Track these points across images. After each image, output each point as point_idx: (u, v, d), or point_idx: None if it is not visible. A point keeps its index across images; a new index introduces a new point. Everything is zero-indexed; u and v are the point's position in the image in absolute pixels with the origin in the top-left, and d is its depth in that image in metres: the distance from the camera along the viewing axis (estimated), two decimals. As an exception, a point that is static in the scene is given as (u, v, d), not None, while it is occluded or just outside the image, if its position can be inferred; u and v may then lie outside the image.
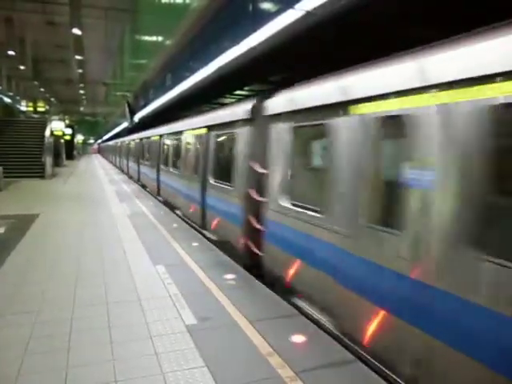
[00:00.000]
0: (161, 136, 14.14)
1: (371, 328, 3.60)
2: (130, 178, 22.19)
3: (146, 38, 14.60)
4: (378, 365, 3.51)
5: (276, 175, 5.58)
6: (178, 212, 11.12)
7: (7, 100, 32.96)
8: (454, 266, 2.88)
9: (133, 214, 10.55)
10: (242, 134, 6.76)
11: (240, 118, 6.80)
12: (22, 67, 22.83)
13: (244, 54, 6.51)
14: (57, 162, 26.05)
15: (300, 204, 5.01)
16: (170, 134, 12.80)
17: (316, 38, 5.12)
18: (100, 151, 76.92)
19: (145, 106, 17.53)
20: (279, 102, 5.60)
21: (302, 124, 5.07)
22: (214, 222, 8.19)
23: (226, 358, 3.46)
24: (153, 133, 15.92)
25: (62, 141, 31.35)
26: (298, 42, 6.16)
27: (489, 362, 2.62)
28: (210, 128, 8.59)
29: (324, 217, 4.41)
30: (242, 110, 6.79)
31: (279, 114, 5.52)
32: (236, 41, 6.09)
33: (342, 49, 5.29)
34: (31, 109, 47.12)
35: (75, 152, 45.12)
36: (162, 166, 13.70)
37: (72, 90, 41.82)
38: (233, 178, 7.10)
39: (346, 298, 3.98)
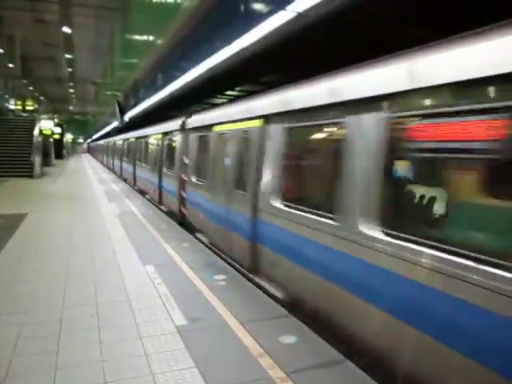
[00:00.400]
0: (136, 138, 17.66)
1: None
2: (119, 176, 23.24)
3: (137, 37, 14.53)
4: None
5: (191, 163, 9.14)
6: (147, 196, 14.35)
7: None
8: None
9: (122, 213, 10.49)
10: (177, 139, 10.48)
11: (176, 128, 10.58)
12: (10, 65, 22.55)
13: (235, 55, 6.50)
14: (46, 162, 25.78)
15: (200, 179, 8.59)
16: (142, 136, 16.33)
17: (308, 39, 5.15)
18: (89, 151, 76.42)
19: (135, 105, 17.43)
20: (190, 121, 9.56)
21: (200, 134, 8.69)
22: (164, 198, 11.98)
23: (216, 358, 3.46)
24: (131, 135, 19.67)
25: (51, 140, 31.06)
26: (289, 43, 6.19)
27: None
28: (163, 134, 12.30)
29: (205, 183, 8.20)
30: (177, 123, 10.48)
31: (191, 128, 9.32)
32: (227, 41, 6.09)
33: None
34: (20, 107, 46.57)
35: (64, 151, 44.72)
36: (137, 162, 17.26)
37: (61, 88, 41.44)
38: (173, 167, 10.70)
39: (208, 223, 7.80)
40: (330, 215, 4.11)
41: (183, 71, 9.08)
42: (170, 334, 3.83)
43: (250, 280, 5.56)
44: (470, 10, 3.88)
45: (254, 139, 5.89)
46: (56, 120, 36.67)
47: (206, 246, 7.50)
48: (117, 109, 21.85)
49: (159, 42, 10.11)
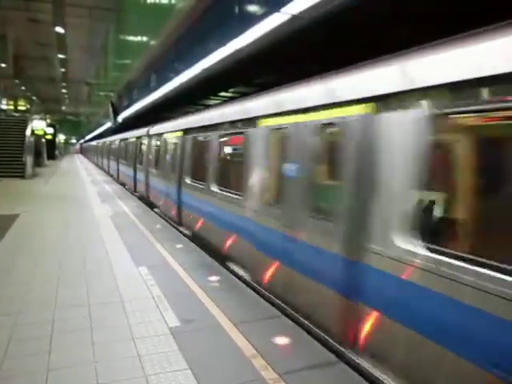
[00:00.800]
0: (121, 140, 20.86)
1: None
2: (111, 175, 24.48)
3: (131, 37, 14.48)
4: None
5: (151, 158, 12.80)
6: (126, 187, 17.61)
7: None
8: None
9: (115, 214, 10.45)
10: (145, 142, 13.92)
11: (144, 134, 14.16)
12: (3, 65, 22.39)
13: (229, 57, 6.51)
14: (38, 162, 25.61)
15: (155, 169, 11.96)
16: (123, 139, 19.52)
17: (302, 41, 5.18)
18: (82, 151, 76.07)
19: (128, 106, 17.38)
20: (151, 130, 13.16)
21: (157, 139, 11.97)
22: (137, 186, 15.29)
23: (209, 360, 3.45)
24: (117, 137, 22.42)
25: (44, 140, 30.86)
26: (283, 45, 6.22)
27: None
28: (137, 137, 15.59)
29: (157, 171, 11.80)
30: (145, 130, 14.02)
31: (152, 134, 12.87)
32: (221, 43, 6.09)
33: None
34: (12, 107, 46.26)
35: (57, 152, 44.45)
36: (121, 160, 20.33)
37: (54, 88, 41.19)
38: (142, 162, 14.43)
39: (159, 198, 11.47)
40: (204, 183, 7.63)
41: (177, 72, 9.07)
42: (163, 336, 3.82)
43: (176, 229, 9.07)
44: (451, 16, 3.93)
45: (179, 143, 9.62)
46: (48, 120, 36.45)
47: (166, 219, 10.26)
48: (110, 110, 21.76)
49: (153, 42, 10.10)
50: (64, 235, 8.02)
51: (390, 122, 3.41)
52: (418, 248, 3.07)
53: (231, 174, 6.94)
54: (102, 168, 30.44)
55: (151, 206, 12.30)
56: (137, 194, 15.01)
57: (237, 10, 5.45)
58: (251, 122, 5.67)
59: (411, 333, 3.07)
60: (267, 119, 5.32)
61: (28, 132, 23.05)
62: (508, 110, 2.63)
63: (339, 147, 4.00)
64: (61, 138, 62.28)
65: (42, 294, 4.83)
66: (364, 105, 3.64)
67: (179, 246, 7.37)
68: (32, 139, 23.41)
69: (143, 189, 13.85)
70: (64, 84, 34.82)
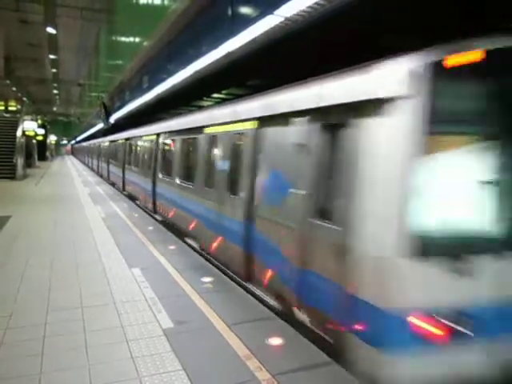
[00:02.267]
0: (110, 142, 22.17)
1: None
2: (101, 176, 25.32)
3: (123, 38, 14.44)
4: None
5: (130, 158, 15.48)
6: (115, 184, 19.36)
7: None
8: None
9: (107, 215, 10.41)
10: (128, 144, 16.09)
11: (124, 138, 16.62)
12: (-8, 65, 22.24)
13: (222, 58, 6.53)
14: (28, 163, 25.42)
15: (132, 166, 14.72)
16: (111, 141, 21.45)
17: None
18: (73, 152, 75.62)
19: (121, 107, 17.33)
20: (132, 133, 15.19)
21: (136, 141, 14.40)
22: (126, 182, 16.69)
23: (203, 361, 3.46)
24: (103, 140, 25.18)
25: (34, 141, 30.62)
26: (275, 47, 6.24)
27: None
28: (125, 139, 17.03)
29: (135, 168, 14.52)
30: (128, 133, 16.03)
31: (131, 137, 15.36)
32: (214, 45, 6.11)
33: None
34: (2, 108, 45.79)
35: (48, 153, 44.14)
36: (111, 160, 21.57)
37: (45, 89, 40.89)
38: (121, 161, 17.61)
39: (135, 188, 14.41)
40: (171, 177, 9.58)
41: (169, 74, 9.06)
42: (156, 337, 3.83)
43: (153, 217, 10.77)
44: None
45: (150, 145, 11.86)
46: (39, 121, 36.19)
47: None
48: (102, 111, 21.66)
49: (145, 43, 10.08)
50: (56, 236, 7.98)
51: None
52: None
53: (188, 169, 8.63)
54: (91, 169, 31.16)
55: (129, 196, 15.12)
56: (126, 191, 16.57)
57: (229, 12, 5.47)
58: (200, 129, 7.66)
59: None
60: (207, 128, 7.39)
61: (19, 133, 22.85)
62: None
63: (243, 148, 5.96)
64: (52, 138, 61.83)
65: (33, 297, 4.81)
66: (253, 122, 5.54)
67: (172, 247, 7.36)
68: (23, 140, 23.22)
69: (121, 182, 17.09)
70: (55, 85, 34.58)
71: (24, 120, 25.95)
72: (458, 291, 3.22)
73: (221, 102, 12.74)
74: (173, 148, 9.90)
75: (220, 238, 6.46)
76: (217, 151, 6.91)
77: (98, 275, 5.66)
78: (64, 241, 7.69)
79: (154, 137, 11.64)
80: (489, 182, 3.33)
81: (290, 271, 4.40)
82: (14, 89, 34.90)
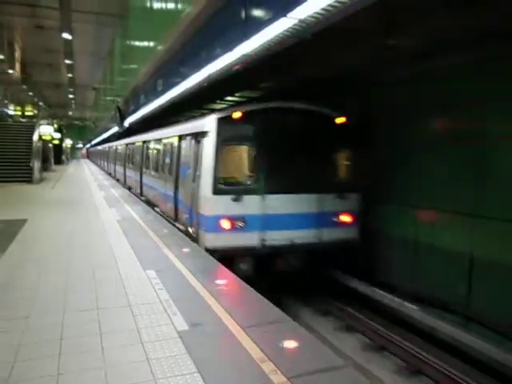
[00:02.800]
0: (115, 146, 27.22)
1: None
2: (117, 180, 25.26)
3: (137, 43, 14.59)
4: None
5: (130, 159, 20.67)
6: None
7: (-5, 104, 32.67)
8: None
9: (122, 218, 10.50)
10: (126, 148, 21.10)
11: (142, 140, 17.28)
12: (10, 71, 22.59)
13: (236, 62, 6.56)
14: (45, 167, 25.78)
15: (131, 165, 19.56)
16: (122, 145, 23.99)
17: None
18: (88, 156, 76.54)
19: (135, 111, 17.51)
20: (129, 140, 20.82)
21: (131, 146, 19.65)
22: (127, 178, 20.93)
23: (218, 364, 3.47)
24: (118, 143, 27.32)
25: (51, 145, 31.08)
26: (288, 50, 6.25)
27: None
28: (126, 144, 21.45)
29: (128, 166, 20.85)
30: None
31: (129, 143, 20.76)
32: (227, 48, 6.14)
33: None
34: (19, 113, 46.61)
35: (63, 157, 44.74)
36: (113, 160, 27.19)
37: (61, 94, 41.50)
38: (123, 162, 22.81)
39: (130, 181, 19.69)
40: (148, 170, 14.48)
41: (183, 77, 9.14)
42: (171, 340, 3.84)
43: (139, 198, 15.18)
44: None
45: (140, 148, 15.81)
46: (55, 125, 36.72)
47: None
48: (117, 114, 21.92)
49: (159, 48, 10.18)
50: (71, 239, 8.08)
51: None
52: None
53: (158, 165, 12.77)
54: (108, 173, 31.08)
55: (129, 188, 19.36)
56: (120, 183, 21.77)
57: (243, 16, 5.50)
58: (159, 139, 12.91)
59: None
60: (158, 140, 13.11)
61: (35, 137, 23.22)
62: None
63: (174, 151, 10.49)
64: (67, 142, 62.70)
65: (50, 299, 4.87)
66: (177, 136, 10.22)
67: (186, 250, 7.40)
68: (39, 144, 23.58)
69: (134, 185, 20.60)
70: (71, 89, 35.06)
71: (40, 124, 26.37)
72: (236, 209, 7.54)
73: (234, 105, 12.85)
74: (152, 151, 14.79)
75: (165, 200, 11.43)
76: (164, 152, 12.11)
77: (113, 277, 5.71)
78: (79, 243, 7.78)
79: (140, 143, 15.87)
80: (250, 161, 8.00)
81: (186, 211, 9.05)
82: (30, 94, 35.52)
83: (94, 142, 57.40)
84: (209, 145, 7.72)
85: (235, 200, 7.53)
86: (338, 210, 8.12)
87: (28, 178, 19.68)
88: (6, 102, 38.94)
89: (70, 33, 16.05)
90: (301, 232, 7.78)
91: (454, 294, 6.85)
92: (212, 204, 7.63)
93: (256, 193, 7.63)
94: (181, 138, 9.98)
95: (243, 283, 5.62)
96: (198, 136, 8.36)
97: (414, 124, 7.71)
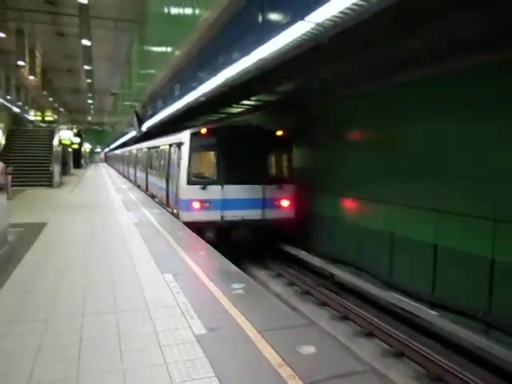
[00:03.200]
0: (148, 149, 28.64)
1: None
2: (138, 186, 25.46)
3: (155, 48, 14.75)
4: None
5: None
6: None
7: (16, 110, 33.36)
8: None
9: (140, 222, 10.59)
10: (135, 153, 26.23)
11: (137, 148, 24.82)
12: (31, 77, 23.06)
13: (252, 66, 6.57)
14: (64, 171, 26.22)
15: (139, 167, 23.80)
16: (144, 148, 25.27)
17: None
18: (106, 160, 77.60)
19: (152, 115, 17.70)
20: (138, 146, 25.12)
21: (138, 151, 24.29)
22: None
23: (236, 368, 3.45)
24: (140, 146, 28.86)
25: (70, 150, 31.60)
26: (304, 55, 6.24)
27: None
28: (132, 151, 27.67)
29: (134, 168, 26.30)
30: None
31: (136, 149, 26.16)
32: (244, 52, 6.15)
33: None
34: (39, 118, 47.56)
35: (82, 161, 45.42)
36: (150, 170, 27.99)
37: (80, 99, 42.17)
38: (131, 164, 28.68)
39: (137, 179, 23.70)
40: (151, 170, 18.27)
41: (200, 81, 9.20)
42: (189, 343, 3.84)
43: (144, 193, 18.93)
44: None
45: (145, 154, 19.75)
46: (75, 130, 37.34)
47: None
48: (135, 119, 22.21)
49: (177, 52, 10.29)
50: (90, 242, 8.18)
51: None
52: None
53: (156, 166, 16.44)
54: (129, 179, 31.63)
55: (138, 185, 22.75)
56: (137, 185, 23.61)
57: (260, 20, 5.51)
58: (157, 146, 16.64)
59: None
60: (154, 147, 17.59)
61: (55, 142, 23.66)
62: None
63: (165, 155, 14.14)
64: (86, 147, 63.67)
65: (69, 302, 4.92)
66: (168, 145, 13.73)
67: (203, 253, 7.42)
68: (59, 149, 24.01)
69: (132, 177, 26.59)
70: (90, 95, 35.58)
71: (60, 129, 26.85)
72: (203, 195, 10.78)
73: (250, 109, 12.86)
74: (152, 156, 18.91)
75: (161, 192, 14.70)
76: (160, 156, 15.63)
77: (131, 280, 5.76)
78: (98, 246, 7.88)
79: (145, 149, 20.21)
80: (213, 162, 11.18)
81: (173, 198, 12.32)
82: (50, 99, 36.17)
83: (111, 147, 58.16)
84: (185, 151, 11.14)
85: (203, 188, 10.93)
86: (277, 197, 11.39)
87: (48, 182, 20.04)
88: (26, 107, 39.77)
89: (89, 39, 16.29)
90: (249, 211, 11.06)
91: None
92: (187, 191, 11.01)
93: (217, 184, 10.97)
94: (170, 146, 13.33)
95: (260, 287, 5.61)
96: (179, 145, 11.78)
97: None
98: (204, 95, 10.22)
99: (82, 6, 15.02)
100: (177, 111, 13.92)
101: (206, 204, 10.91)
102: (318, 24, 4.02)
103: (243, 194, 11.06)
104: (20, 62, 19.88)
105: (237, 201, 10.99)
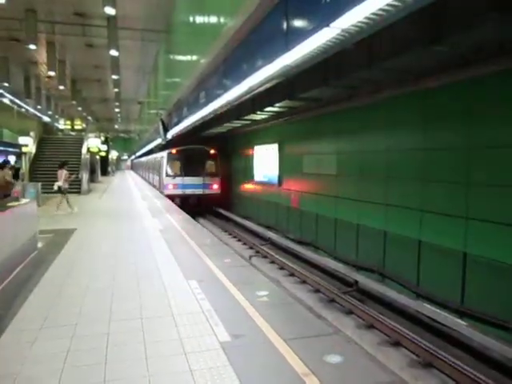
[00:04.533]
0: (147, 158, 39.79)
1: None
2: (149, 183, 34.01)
3: (180, 57, 14.97)
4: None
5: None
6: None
7: (46, 119, 34.32)
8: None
9: (164, 228, 10.70)
10: (146, 160, 40.89)
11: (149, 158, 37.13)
12: (61, 87, 23.69)
13: (276, 73, 6.58)
14: (92, 178, 26.78)
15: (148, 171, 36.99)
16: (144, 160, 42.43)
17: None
18: (132, 167, 78.92)
19: (177, 123, 17.89)
20: (149, 156, 38.26)
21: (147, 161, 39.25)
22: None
23: (260, 376, 3.43)
24: (142, 159, 43.34)
25: (98, 157, 32.28)
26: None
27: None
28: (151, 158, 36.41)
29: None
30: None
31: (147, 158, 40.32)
32: (268, 60, 6.16)
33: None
34: (69, 127, 48.78)
35: (109, 168, 46.31)
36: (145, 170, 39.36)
37: (108, 108, 42.99)
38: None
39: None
40: (155, 171, 28.60)
41: (225, 89, 9.26)
42: (213, 350, 3.84)
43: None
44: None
45: (150, 163, 33.25)
46: (102, 138, 38.12)
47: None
48: (160, 127, 22.55)
49: (202, 61, 10.39)
50: (117, 249, 8.30)
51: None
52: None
53: (156, 169, 26.96)
54: (143, 177, 42.85)
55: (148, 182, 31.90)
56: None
57: (284, 27, 5.52)
58: (155, 158, 29.26)
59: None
60: (154, 158, 29.93)
61: (84, 150, 24.21)
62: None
63: (157, 163, 26.13)
64: (113, 154, 64.88)
65: (97, 307, 5.00)
66: (161, 157, 24.30)
67: (227, 260, 7.43)
68: (87, 156, 24.56)
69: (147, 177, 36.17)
70: (117, 103, 36.28)
71: (88, 137, 27.48)
72: (174, 182, 21.33)
73: (274, 115, 12.88)
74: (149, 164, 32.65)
75: (157, 182, 25.63)
76: (156, 164, 27.31)
77: (156, 287, 5.81)
78: (124, 252, 7.99)
79: (159, 158, 26.60)
80: (178, 166, 21.76)
81: (161, 183, 23.26)
82: (79, 108, 37.03)
83: (137, 154, 59.21)
84: (164, 161, 21.73)
85: (173, 178, 21.12)
86: (210, 183, 21.35)
87: (77, 190, 20.47)
88: (56, 116, 40.85)
89: (117, 49, 16.63)
90: (196, 190, 21.05)
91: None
92: (166, 180, 21.28)
93: (180, 176, 21.08)
94: (161, 158, 23.19)
95: (285, 294, 5.57)
96: (162, 158, 22.44)
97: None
98: (228, 103, 10.26)
99: (110, 17, 15.34)
100: (201, 119, 14.03)
101: (176, 186, 21.27)
102: (343, 30, 4.00)
103: (193, 181, 21.18)
104: (50, 73, 20.43)
105: (190, 184, 21.15)
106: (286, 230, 14.95)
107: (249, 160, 19.36)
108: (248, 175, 19.51)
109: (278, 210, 15.95)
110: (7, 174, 11.76)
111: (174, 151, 21.32)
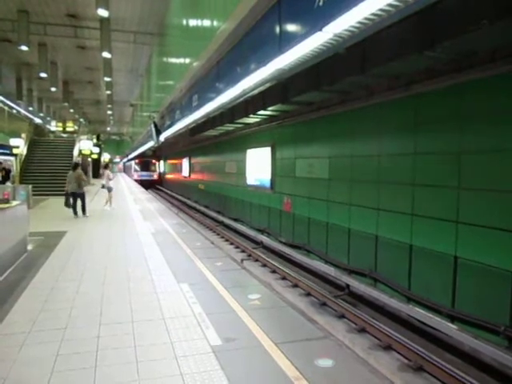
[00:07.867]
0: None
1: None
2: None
3: (173, 59, 14.96)
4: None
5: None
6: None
7: (38, 120, 34.10)
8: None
9: (156, 231, 10.66)
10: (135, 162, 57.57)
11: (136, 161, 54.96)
12: (53, 89, 23.52)
13: (269, 76, 6.59)
14: (84, 180, 26.57)
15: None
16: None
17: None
18: (125, 170, 78.77)
19: (170, 125, 17.83)
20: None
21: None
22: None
23: (251, 380, 3.41)
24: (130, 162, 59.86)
25: (90, 159, 32.11)
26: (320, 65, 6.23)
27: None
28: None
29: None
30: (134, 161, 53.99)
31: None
32: (261, 63, 6.18)
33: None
34: (60, 129, 48.51)
35: (101, 171, 46.14)
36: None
37: (100, 110, 42.84)
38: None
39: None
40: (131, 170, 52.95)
41: (218, 92, 9.26)
42: (205, 354, 3.82)
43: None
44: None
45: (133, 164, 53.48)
46: (94, 140, 37.96)
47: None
48: (153, 130, 22.38)
49: (195, 64, 10.38)
50: (107, 251, 8.24)
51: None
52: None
53: (131, 169, 52.39)
54: (129, 176, 56.99)
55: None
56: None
57: (277, 31, 5.53)
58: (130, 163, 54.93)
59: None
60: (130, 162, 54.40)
61: (75, 152, 24.07)
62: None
63: (132, 166, 52.54)
64: (106, 157, 64.63)
65: (86, 311, 4.96)
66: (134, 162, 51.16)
67: (219, 263, 7.41)
68: (79, 159, 24.42)
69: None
70: (109, 106, 36.12)
71: (80, 140, 27.33)
72: (138, 174, 48.96)
73: (267, 118, 12.90)
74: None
75: (132, 175, 51.20)
76: (131, 166, 54.93)
77: (147, 290, 5.77)
78: (115, 255, 7.93)
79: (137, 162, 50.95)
80: (139, 167, 49.10)
81: (135, 174, 49.08)
82: (71, 110, 36.80)
83: (129, 157, 59.55)
84: (134, 165, 50.08)
85: (137, 172, 48.50)
86: (153, 174, 48.95)
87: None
88: (48, 118, 40.62)
89: (110, 51, 16.56)
90: (147, 177, 47.57)
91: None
92: (134, 172, 48.72)
93: (140, 171, 48.29)
94: (134, 162, 50.37)
95: (275, 297, 5.56)
96: (133, 163, 50.45)
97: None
98: (222, 106, 10.25)
99: (103, 19, 15.30)
100: (194, 122, 14.01)
101: (138, 175, 47.48)
102: (335, 34, 4.02)
103: (146, 173, 47.78)
104: (42, 74, 20.29)
105: (144, 174, 47.46)
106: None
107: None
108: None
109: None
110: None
111: (137, 161, 48.24)
